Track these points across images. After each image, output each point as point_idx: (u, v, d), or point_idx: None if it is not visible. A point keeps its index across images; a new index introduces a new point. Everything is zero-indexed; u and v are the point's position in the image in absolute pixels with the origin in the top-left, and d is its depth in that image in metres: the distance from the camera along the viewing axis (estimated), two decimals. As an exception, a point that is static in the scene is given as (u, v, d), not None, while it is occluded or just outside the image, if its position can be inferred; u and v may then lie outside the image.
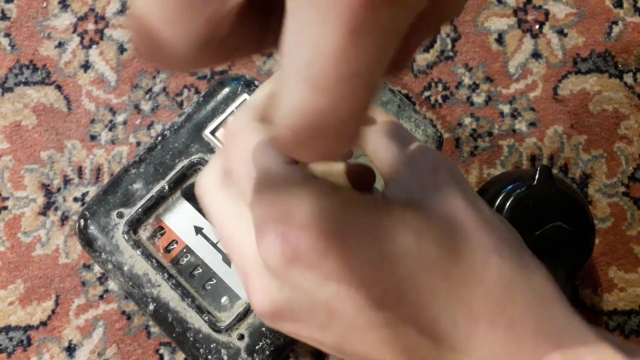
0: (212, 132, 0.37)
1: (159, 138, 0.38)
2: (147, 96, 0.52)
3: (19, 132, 0.51)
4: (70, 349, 0.48)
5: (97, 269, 0.49)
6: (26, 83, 0.52)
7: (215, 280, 0.36)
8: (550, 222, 0.42)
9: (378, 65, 0.14)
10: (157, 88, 0.52)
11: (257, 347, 0.35)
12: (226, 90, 0.38)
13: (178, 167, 0.37)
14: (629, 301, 0.49)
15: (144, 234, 0.36)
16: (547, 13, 0.54)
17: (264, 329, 0.35)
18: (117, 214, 0.36)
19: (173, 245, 0.36)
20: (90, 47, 0.53)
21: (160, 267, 0.35)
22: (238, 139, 0.23)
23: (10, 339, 0.48)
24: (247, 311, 0.35)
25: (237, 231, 0.22)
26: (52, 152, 0.51)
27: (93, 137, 0.51)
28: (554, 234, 0.42)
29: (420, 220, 0.21)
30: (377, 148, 0.25)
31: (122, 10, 0.54)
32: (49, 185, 0.50)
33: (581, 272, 0.43)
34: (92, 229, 0.36)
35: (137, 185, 0.37)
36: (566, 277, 0.41)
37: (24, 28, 0.53)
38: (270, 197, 0.20)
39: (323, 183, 0.21)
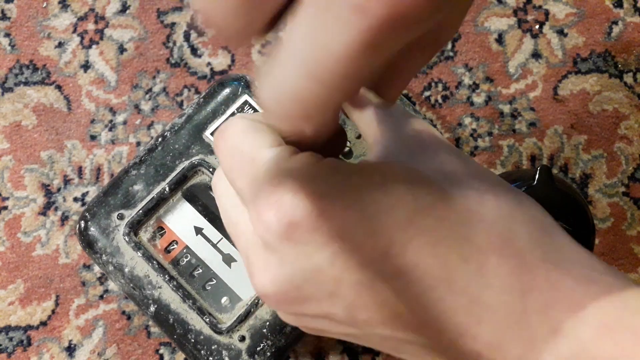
0: (213, 133, 0.37)
1: (159, 139, 0.38)
2: (147, 96, 0.52)
3: (19, 132, 0.51)
4: (70, 349, 0.48)
5: (97, 269, 0.49)
6: (26, 83, 0.52)
7: (215, 281, 0.36)
8: (550, 222, 0.42)
9: (373, 69, 0.15)
10: (157, 88, 0.52)
11: (258, 348, 0.35)
12: (227, 90, 0.38)
13: (178, 169, 0.36)
14: (629, 301, 0.49)
15: (144, 235, 0.36)
16: (547, 13, 0.54)
17: (265, 330, 0.35)
18: (118, 215, 0.36)
19: (173, 245, 0.36)
20: (90, 47, 0.53)
21: (161, 269, 0.35)
22: (223, 133, 0.23)
23: (10, 339, 0.48)
24: (248, 313, 0.35)
25: (238, 217, 0.23)
26: (52, 152, 0.51)
27: (93, 137, 0.51)
28: (554, 234, 0.42)
29: (409, 172, 0.21)
30: (363, 112, 0.25)
31: (122, 10, 0.54)
32: (49, 185, 0.50)
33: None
34: (93, 231, 0.36)
35: (137, 187, 0.37)
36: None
37: (24, 28, 0.53)
38: (259, 177, 0.21)
39: (308, 154, 0.21)
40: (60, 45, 0.53)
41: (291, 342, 0.36)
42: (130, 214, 0.36)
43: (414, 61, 0.22)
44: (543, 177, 0.43)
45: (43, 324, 0.48)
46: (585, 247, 0.45)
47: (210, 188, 0.37)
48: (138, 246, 0.35)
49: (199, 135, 0.37)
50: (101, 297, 0.48)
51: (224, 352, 0.35)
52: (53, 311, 0.48)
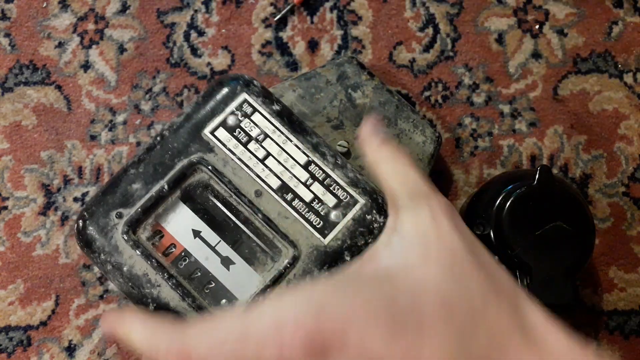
0: (212, 132, 0.37)
1: (158, 138, 0.37)
2: (147, 96, 0.52)
3: (19, 132, 0.51)
4: (70, 349, 0.48)
5: (97, 269, 0.49)
6: (26, 83, 0.52)
7: (214, 284, 0.36)
8: (550, 222, 0.42)
9: None
10: (157, 88, 0.52)
11: None
12: (225, 90, 0.38)
13: (177, 167, 0.36)
14: (629, 301, 0.49)
15: (143, 234, 0.36)
16: (547, 13, 0.54)
17: None
18: (116, 214, 0.36)
19: (171, 249, 0.36)
20: (90, 47, 0.53)
21: (160, 267, 0.35)
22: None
23: (10, 339, 0.48)
24: None
25: None
26: (52, 152, 0.51)
27: (93, 137, 0.51)
28: (554, 234, 0.42)
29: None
30: (386, 174, 0.28)
31: (122, 10, 0.54)
32: (49, 185, 0.50)
33: (581, 272, 0.43)
34: (91, 230, 0.36)
35: (136, 185, 0.36)
36: (566, 277, 0.41)
37: (24, 28, 0.53)
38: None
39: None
40: (60, 45, 0.53)
41: None
42: (128, 212, 0.36)
43: None
44: (543, 177, 0.43)
45: (43, 324, 0.48)
46: (586, 247, 0.46)
47: (208, 187, 0.37)
48: (137, 244, 0.35)
49: (198, 134, 0.37)
50: (101, 297, 0.48)
51: None
52: (53, 311, 0.48)
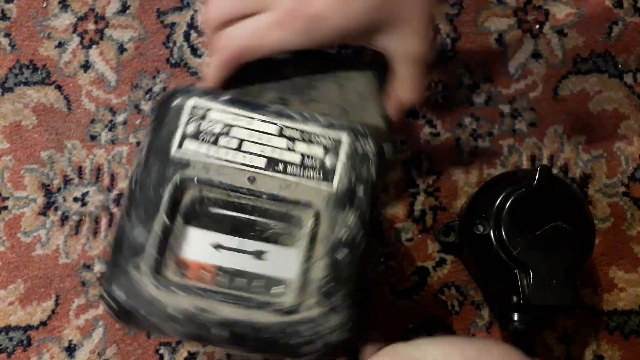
0: (179, 148, 0.36)
1: (133, 184, 0.36)
2: (147, 96, 0.52)
3: (19, 132, 0.51)
4: (70, 349, 0.48)
5: (97, 269, 0.49)
6: (26, 83, 0.52)
7: (258, 279, 0.35)
8: (550, 222, 0.42)
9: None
10: (157, 88, 0.52)
11: (330, 306, 0.34)
12: (172, 105, 0.37)
13: (165, 197, 0.35)
14: (629, 301, 0.49)
15: (169, 273, 0.35)
16: (547, 13, 0.54)
17: (324, 288, 0.34)
18: (134, 266, 0.34)
19: (202, 272, 0.35)
20: (90, 47, 0.53)
21: (206, 292, 0.34)
22: None
23: (10, 339, 0.48)
24: (304, 282, 0.34)
25: None
26: (52, 152, 0.51)
27: (93, 137, 0.51)
28: (554, 234, 0.42)
29: None
30: None
31: (122, 10, 0.54)
32: (49, 185, 0.50)
33: (581, 272, 0.43)
34: (120, 295, 0.34)
35: (137, 231, 0.35)
36: (566, 277, 0.41)
37: (24, 28, 0.53)
38: None
39: None
40: (60, 45, 0.53)
41: (358, 284, 0.35)
42: (144, 259, 0.34)
43: None
44: (543, 177, 0.43)
45: (43, 324, 0.48)
46: (586, 247, 0.46)
47: (205, 201, 0.36)
48: (170, 285, 0.34)
49: (167, 157, 0.36)
50: (101, 296, 0.48)
51: (302, 327, 0.34)
52: (53, 311, 0.48)
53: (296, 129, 0.37)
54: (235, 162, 0.36)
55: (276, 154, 0.36)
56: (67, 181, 0.50)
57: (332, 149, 0.37)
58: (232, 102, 0.37)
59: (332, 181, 0.36)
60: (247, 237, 0.35)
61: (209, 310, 0.33)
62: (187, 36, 0.53)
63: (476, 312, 0.48)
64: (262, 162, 0.36)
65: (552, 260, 0.41)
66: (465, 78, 0.52)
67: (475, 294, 0.48)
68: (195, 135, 0.36)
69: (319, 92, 0.41)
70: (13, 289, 0.49)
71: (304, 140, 0.37)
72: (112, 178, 0.50)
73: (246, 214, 0.36)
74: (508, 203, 0.42)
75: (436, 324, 0.48)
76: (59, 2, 0.54)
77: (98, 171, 0.50)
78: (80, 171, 0.51)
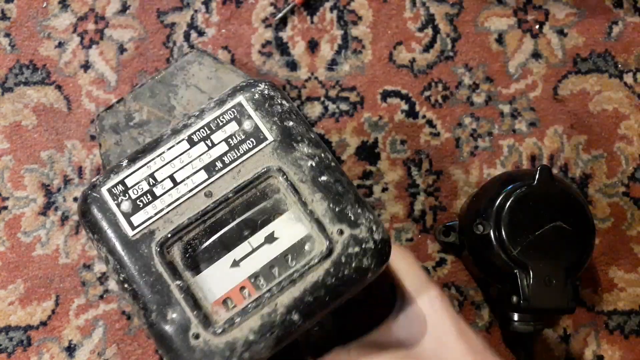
0: (132, 227, 0.35)
1: (128, 287, 0.35)
2: (147, 96, 0.52)
3: (19, 132, 0.51)
4: (70, 349, 0.48)
5: (97, 268, 0.49)
6: (26, 83, 0.52)
7: (285, 257, 0.35)
8: (550, 222, 0.42)
9: None
10: (157, 88, 0.52)
11: (345, 213, 0.34)
12: (93, 204, 0.36)
13: (161, 269, 0.34)
14: (629, 301, 0.49)
15: (218, 317, 0.35)
16: (547, 13, 0.54)
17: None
18: (195, 344, 0.33)
19: (243, 292, 0.35)
20: (90, 47, 0.53)
21: (256, 301, 0.34)
22: None
23: (10, 339, 0.48)
24: (319, 224, 0.34)
25: None
26: (52, 152, 0.51)
27: (93, 137, 0.51)
28: (554, 234, 0.42)
29: None
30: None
31: (122, 10, 0.54)
32: (49, 185, 0.50)
33: (581, 272, 0.43)
34: None
35: (170, 316, 0.33)
36: (566, 277, 0.41)
37: (24, 28, 0.53)
38: None
39: None
40: (60, 45, 0.53)
41: (352, 185, 0.36)
42: (194, 328, 0.34)
43: None
44: (543, 177, 0.43)
45: (43, 324, 0.48)
46: (586, 247, 0.46)
47: (192, 244, 0.36)
48: (227, 323, 0.34)
49: (132, 244, 0.35)
50: (101, 297, 0.48)
51: (349, 251, 0.34)
52: (53, 311, 0.48)
53: (200, 128, 0.37)
54: (184, 195, 0.35)
55: (206, 159, 0.36)
56: (67, 181, 0.50)
57: (241, 114, 0.37)
58: (134, 160, 0.36)
59: (265, 136, 0.36)
60: (249, 236, 0.35)
61: (271, 312, 0.33)
62: (187, 36, 0.53)
63: (476, 312, 0.48)
64: (202, 175, 0.36)
65: (552, 260, 0.41)
66: (465, 78, 0.52)
67: (475, 294, 0.48)
68: (134, 208, 0.35)
69: (179, 95, 0.44)
70: (13, 289, 0.49)
71: (213, 130, 0.37)
72: (112, 178, 0.50)
73: (232, 222, 0.35)
74: (508, 203, 0.42)
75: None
76: (59, 2, 0.54)
77: (98, 171, 0.50)
78: (80, 171, 0.51)
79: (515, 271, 0.42)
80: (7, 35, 0.53)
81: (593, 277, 0.49)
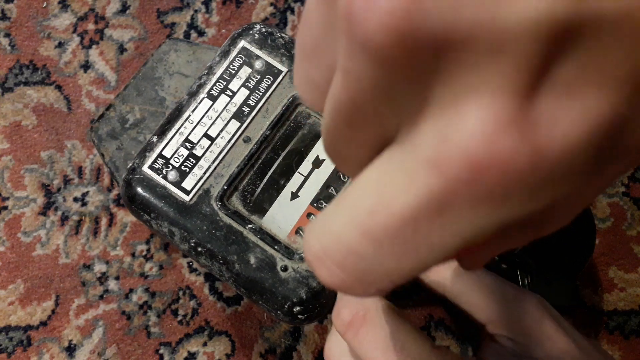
0: (187, 193, 0.37)
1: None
2: (147, 96, 0.52)
3: (19, 132, 0.51)
4: (70, 349, 0.48)
5: (97, 268, 0.49)
6: (26, 83, 0.52)
7: (338, 175, 0.36)
8: (550, 222, 0.42)
9: (444, 248, 0.12)
10: (157, 88, 0.52)
11: None
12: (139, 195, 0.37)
13: (227, 227, 0.36)
14: (629, 301, 0.49)
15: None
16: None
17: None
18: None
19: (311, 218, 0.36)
20: (90, 47, 0.53)
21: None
22: (369, 327, 0.24)
23: (10, 339, 0.48)
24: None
25: None
26: (52, 152, 0.51)
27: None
28: (554, 234, 0.42)
29: None
30: (473, 300, 0.29)
31: (122, 10, 0.54)
32: (49, 185, 0.50)
33: (581, 272, 0.43)
34: None
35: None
36: (566, 277, 0.41)
37: (24, 28, 0.53)
38: None
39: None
40: (60, 45, 0.53)
41: None
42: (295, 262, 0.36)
43: (505, 239, 0.16)
44: (543, 177, 0.43)
45: (43, 324, 0.48)
46: (586, 247, 0.46)
47: (248, 191, 0.37)
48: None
49: (187, 209, 0.36)
50: (101, 297, 0.48)
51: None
52: (53, 311, 0.48)
53: (215, 82, 0.38)
54: (224, 147, 0.37)
55: (232, 108, 0.37)
56: (67, 181, 0.50)
57: (249, 57, 0.38)
58: (163, 132, 0.38)
59: (279, 69, 0.37)
60: (298, 166, 0.37)
61: None
62: (187, 36, 0.53)
63: (476, 312, 0.48)
64: (235, 124, 0.37)
65: (552, 260, 0.41)
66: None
67: (475, 294, 0.48)
68: (182, 175, 0.37)
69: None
70: (13, 289, 0.49)
71: (228, 79, 0.38)
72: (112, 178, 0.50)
73: (278, 158, 0.37)
74: (508, 203, 0.42)
75: (436, 323, 0.48)
76: (59, 2, 0.54)
77: (98, 171, 0.50)
78: (80, 171, 0.51)
79: (517, 271, 0.42)
80: (7, 35, 0.53)
81: (593, 277, 0.49)
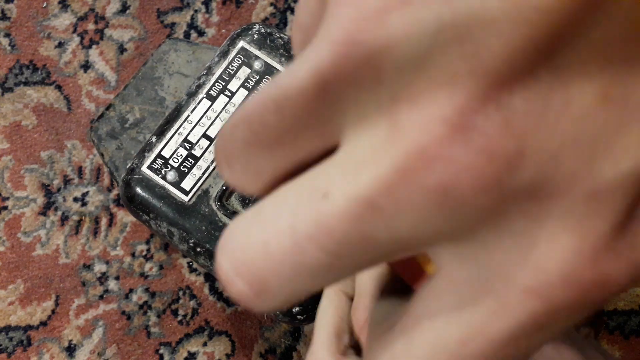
0: (186, 193, 0.37)
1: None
2: (147, 96, 0.52)
3: (19, 132, 0.51)
4: (70, 349, 0.48)
5: (97, 268, 0.49)
6: (26, 83, 0.52)
7: None
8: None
9: (536, 351, 0.13)
10: (157, 88, 0.52)
11: None
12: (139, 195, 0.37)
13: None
14: (629, 301, 0.49)
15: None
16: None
17: None
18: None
19: None
20: (90, 47, 0.53)
21: None
22: None
23: (10, 339, 0.48)
24: None
25: None
26: (52, 152, 0.51)
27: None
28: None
29: None
30: None
31: (122, 10, 0.54)
32: (49, 185, 0.50)
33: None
34: None
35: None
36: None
37: (24, 28, 0.53)
38: None
39: None
40: (60, 45, 0.53)
41: None
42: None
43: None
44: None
45: (43, 324, 0.48)
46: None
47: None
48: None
49: (186, 209, 0.36)
50: (101, 297, 0.48)
51: None
52: (53, 311, 0.48)
53: (214, 83, 0.38)
54: None
55: (231, 108, 0.38)
56: (67, 181, 0.50)
57: (247, 57, 0.38)
58: (162, 132, 0.38)
59: (278, 70, 0.38)
60: None
61: None
62: (187, 36, 0.53)
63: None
64: None
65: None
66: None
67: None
68: (181, 175, 0.36)
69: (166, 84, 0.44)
70: (13, 289, 0.49)
71: (227, 80, 0.38)
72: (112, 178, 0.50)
73: None
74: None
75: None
76: (59, 2, 0.54)
77: (98, 171, 0.50)
78: (80, 171, 0.51)
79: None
80: (7, 35, 0.53)
81: (593, 277, 0.49)
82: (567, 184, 0.11)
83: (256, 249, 0.12)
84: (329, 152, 0.12)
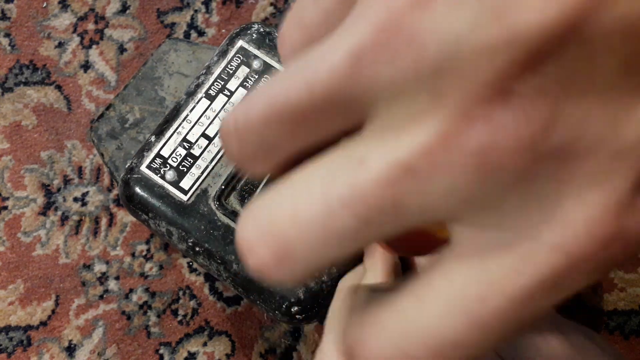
0: (185, 193, 0.37)
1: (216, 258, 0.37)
2: (147, 96, 0.52)
3: (19, 132, 0.51)
4: (70, 349, 0.48)
5: (97, 268, 0.49)
6: (26, 83, 0.52)
7: None
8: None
9: (545, 312, 0.13)
10: (157, 88, 0.52)
11: None
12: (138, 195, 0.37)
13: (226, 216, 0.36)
14: (629, 301, 0.49)
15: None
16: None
17: None
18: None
19: None
20: (90, 47, 0.53)
21: None
22: None
23: (10, 339, 0.48)
24: None
25: None
26: (52, 152, 0.51)
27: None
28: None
29: None
30: None
31: (122, 10, 0.54)
32: (49, 185, 0.50)
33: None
34: None
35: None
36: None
37: (24, 28, 0.54)
38: None
39: None
40: (60, 45, 0.53)
41: None
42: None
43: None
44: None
45: (43, 324, 0.48)
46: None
47: (242, 187, 0.37)
48: None
49: (184, 208, 0.36)
50: (101, 297, 0.48)
51: None
52: (53, 311, 0.48)
53: (213, 82, 0.38)
54: (221, 148, 0.37)
55: (230, 108, 0.38)
56: (67, 181, 0.50)
57: (246, 56, 0.38)
58: (161, 131, 0.38)
59: (277, 69, 0.38)
60: None
61: None
62: (187, 36, 0.53)
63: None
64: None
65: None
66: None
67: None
68: (179, 174, 0.36)
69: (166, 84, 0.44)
70: (13, 289, 0.49)
71: (226, 79, 0.38)
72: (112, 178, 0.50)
73: None
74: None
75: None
76: (59, 2, 0.54)
77: (98, 171, 0.50)
78: (80, 171, 0.51)
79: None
80: (7, 35, 0.53)
81: (593, 277, 0.49)
82: (593, 146, 0.11)
83: (283, 216, 0.12)
84: (342, 135, 0.12)
